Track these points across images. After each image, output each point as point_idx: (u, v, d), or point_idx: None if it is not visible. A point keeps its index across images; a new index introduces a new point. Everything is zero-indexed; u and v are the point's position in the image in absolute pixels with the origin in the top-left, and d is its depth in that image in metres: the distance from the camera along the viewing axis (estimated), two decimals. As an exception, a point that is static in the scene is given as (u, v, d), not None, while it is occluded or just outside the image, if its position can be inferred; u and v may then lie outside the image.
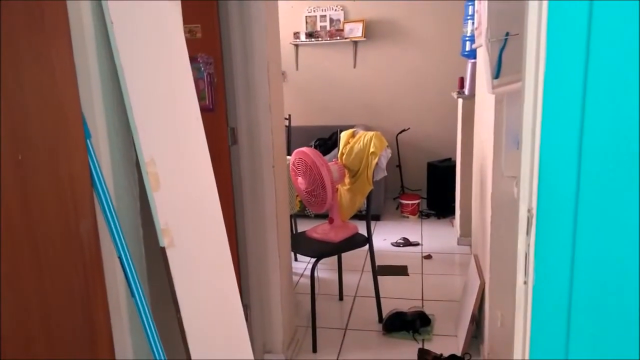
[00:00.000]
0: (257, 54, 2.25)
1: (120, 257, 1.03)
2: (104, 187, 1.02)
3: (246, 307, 2.39)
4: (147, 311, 1.07)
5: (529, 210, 0.88)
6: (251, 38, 2.24)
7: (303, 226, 3.31)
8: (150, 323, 1.07)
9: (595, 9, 0.83)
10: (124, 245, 1.03)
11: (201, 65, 2.50)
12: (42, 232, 0.86)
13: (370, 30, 5.17)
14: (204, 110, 1.60)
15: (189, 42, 1.56)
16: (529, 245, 0.88)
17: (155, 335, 1.08)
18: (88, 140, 1.00)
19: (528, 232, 0.88)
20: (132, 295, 1.05)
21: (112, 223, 1.02)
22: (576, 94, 0.85)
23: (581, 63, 0.85)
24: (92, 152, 1.00)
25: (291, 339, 2.58)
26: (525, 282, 0.91)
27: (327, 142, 5.08)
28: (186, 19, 1.55)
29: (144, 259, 1.24)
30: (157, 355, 1.07)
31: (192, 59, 2.13)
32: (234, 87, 2.31)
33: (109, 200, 1.02)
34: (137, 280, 1.05)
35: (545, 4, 0.85)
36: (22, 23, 0.85)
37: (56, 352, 0.88)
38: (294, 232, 3.68)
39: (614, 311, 0.86)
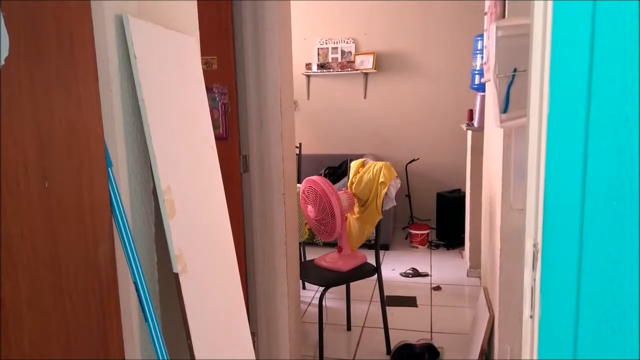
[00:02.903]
0: (270, 85, 2.32)
1: (135, 283, 1.06)
2: (123, 213, 1.05)
3: (254, 334, 2.39)
4: (159, 336, 1.09)
5: (535, 245, 0.90)
6: (265, 69, 2.31)
7: (312, 254, 3.32)
8: (162, 348, 1.09)
9: (596, 46, 0.86)
10: (140, 270, 1.06)
11: (216, 95, 2.57)
12: (64, 257, 0.90)
13: (381, 62, 5.27)
14: (217, 138, 1.65)
15: (205, 73, 1.62)
16: (534, 279, 0.89)
17: (166, 359, 1.09)
18: (109, 169, 1.04)
19: (534, 267, 0.90)
20: (146, 320, 1.08)
21: (128, 249, 1.05)
22: (579, 130, 0.88)
23: (583, 99, 0.88)
24: (112, 179, 1.05)
25: (298, 369, 2.56)
26: (531, 316, 0.92)
27: (336, 171, 5.12)
28: (203, 51, 1.62)
29: (157, 285, 1.27)
30: (167, 380, 1.08)
31: (208, 89, 2.20)
32: (247, 116, 2.37)
33: (126, 227, 1.06)
34: (150, 306, 1.07)
35: (548, 43, 0.89)
36: (53, 53, 0.90)
37: (71, 374, 0.90)
38: (303, 260, 3.69)
39: (621, 346, 0.87)
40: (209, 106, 1.65)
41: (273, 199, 2.38)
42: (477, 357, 2.41)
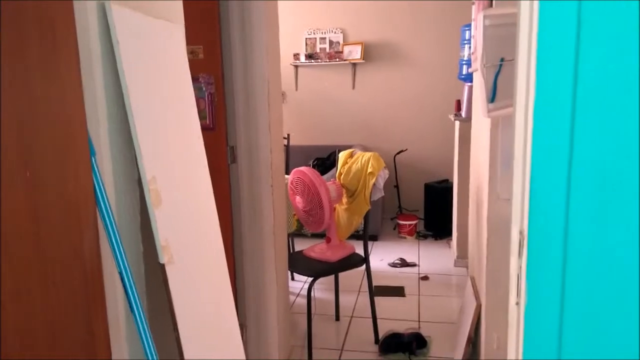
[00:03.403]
0: (257, 75, 2.30)
1: (120, 273, 1.05)
2: (107, 203, 1.04)
3: (242, 326, 2.39)
4: (145, 327, 1.08)
5: (521, 232, 0.90)
6: (252, 59, 2.29)
7: (300, 245, 3.32)
8: (149, 338, 1.08)
9: (582, 36, 0.86)
10: (125, 260, 1.05)
11: (202, 85, 2.54)
12: (49, 247, 0.88)
13: (369, 53, 5.26)
14: (204, 129, 1.63)
15: (191, 63, 1.60)
16: (520, 267, 0.90)
17: (152, 351, 1.09)
18: (93, 158, 1.02)
19: (520, 254, 0.90)
20: (132, 310, 1.07)
21: (113, 239, 1.04)
22: (565, 118, 0.88)
23: (569, 87, 0.88)
24: (96, 169, 1.03)
25: (287, 359, 2.57)
26: (517, 303, 0.93)
27: (325, 162, 5.11)
28: (189, 40, 1.60)
29: (143, 275, 1.25)
30: (154, 371, 1.08)
31: (194, 79, 2.18)
32: (234, 107, 2.35)
33: (111, 217, 1.04)
34: (136, 296, 1.06)
35: (534, 31, 0.89)
36: (34, 39, 0.88)
37: (55, 366, 0.89)
38: (291, 251, 3.69)
39: (605, 332, 0.88)
40: (196, 96, 1.63)
41: (261, 190, 2.37)
42: (464, 346, 2.43)
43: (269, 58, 2.32)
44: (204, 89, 2.57)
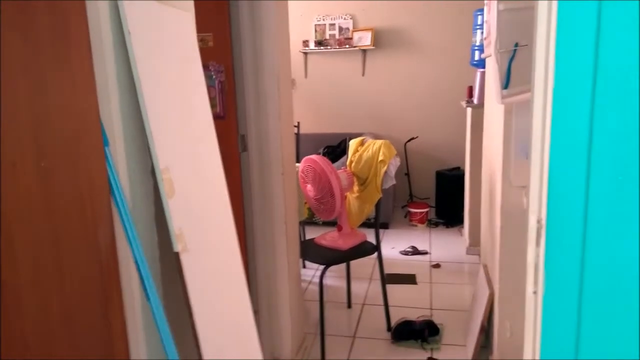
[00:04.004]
0: (267, 62, 2.28)
1: (136, 262, 1.05)
2: (121, 193, 1.04)
3: (255, 313, 2.40)
4: (161, 314, 1.09)
5: (539, 221, 0.89)
6: (261, 46, 2.27)
7: (311, 233, 3.32)
8: (165, 326, 1.09)
9: (603, 20, 0.84)
10: (140, 250, 1.06)
11: (212, 73, 2.54)
12: (64, 237, 0.89)
13: (379, 39, 5.20)
14: (214, 117, 1.63)
15: (201, 51, 1.59)
16: (538, 255, 0.89)
17: (169, 338, 1.09)
18: (106, 148, 1.02)
19: (538, 243, 0.89)
20: (147, 299, 1.07)
21: (128, 228, 1.04)
22: (585, 104, 0.86)
23: (589, 73, 0.86)
24: (109, 159, 1.03)
25: (299, 346, 2.58)
26: (534, 292, 0.91)
27: (335, 150, 5.10)
28: (198, 28, 1.59)
29: (158, 264, 1.26)
30: (171, 356, 1.09)
31: (204, 67, 2.17)
32: (244, 95, 2.34)
33: (125, 206, 1.04)
34: (152, 285, 1.07)
35: (554, 15, 0.87)
36: (47, 31, 0.88)
37: (75, 352, 0.90)
38: (302, 240, 3.70)
39: (624, 322, 0.87)
40: (206, 84, 1.62)
41: (272, 179, 2.36)
42: (477, 334, 2.43)
43: (279, 45, 2.30)
44: (214, 77, 2.56)
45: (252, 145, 2.37)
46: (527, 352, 0.94)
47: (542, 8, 0.89)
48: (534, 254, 0.89)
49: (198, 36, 1.59)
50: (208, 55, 2.36)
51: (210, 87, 2.53)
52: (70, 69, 0.94)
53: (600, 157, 0.85)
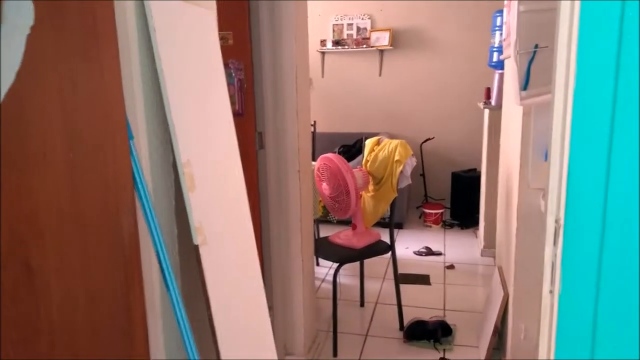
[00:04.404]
0: (285, 61, 2.30)
1: (157, 253, 1.08)
2: (144, 186, 1.07)
3: (269, 308, 2.42)
4: (180, 304, 1.11)
5: (557, 221, 0.89)
6: (280, 45, 2.30)
7: (325, 232, 3.34)
8: (183, 315, 1.12)
9: (626, 21, 0.84)
10: (161, 241, 1.08)
11: (232, 71, 2.56)
12: (89, 227, 0.91)
13: (397, 39, 5.20)
14: (233, 115, 1.65)
15: (222, 49, 1.61)
16: (555, 255, 0.89)
17: (187, 328, 1.12)
18: (131, 141, 1.05)
19: (555, 243, 0.90)
20: (167, 288, 1.10)
21: (150, 220, 1.07)
22: (606, 106, 0.86)
23: (611, 75, 0.86)
24: (134, 152, 1.06)
25: (312, 342, 2.60)
26: (551, 292, 0.92)
27: (351, 149, 5.11)
28: (220, 27, 1.61)
29: (177, 256, 1.29)
30: (188, 346, 1.11)
31: (224, 65, 2.20)
32: (263, 93, 2.36)
33: (148, 198, 1.07)
34: (171, 275, 1.09)
35: (576, 15, 0.87)
36: (75, 24, 0.90)
37: (98, 340, 0.93)
38: (317, 237, 3.71)
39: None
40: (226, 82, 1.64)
41: (288, 176, 2.38)
42: (490, 335, 2.42)
43: (297, 44, 2.32)
44: (233, 74, 2.59)
45: (270, 142, 2.39)
46: (542, 352, 0.94)
47: (564, 8, 0.89)
48: (552, 253, 0.90)
49: (219, 34, 1.62)
50: (228, 54, 2.39)
51: (229, 85, 2.55)
52: (98, 65, 0.97)
53: (620, 159, 0.85)
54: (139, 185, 1.06)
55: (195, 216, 1.19)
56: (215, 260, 1.26)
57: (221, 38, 2.46)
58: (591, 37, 0.87)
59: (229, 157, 1.52)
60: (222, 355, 1.21)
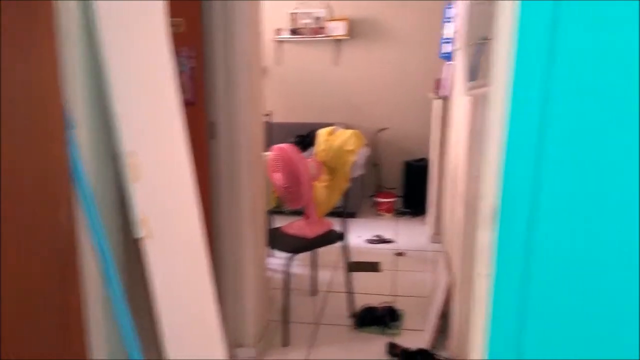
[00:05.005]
0: (238, 49, 2.27)
1: (96, 246, 1.05)
2: (83, 176, 1.04)
3: (220, 300, 2.41)
4: (122, 299, 1.09)
5: (490, 206, 0.93)
6: (233, 33, 2.26)
7: (279, 222, 3.34)
8: (125, 311, 1.10)
9: (561, 16, 0.88)
10: (101, 234, 1.06)
11: (184, 59, 2.51)
12: (24, 218, 0.88)
13: (354, 29, 5.22)
14: (185, 104, 1.62)
15: (173, 36, 1.58)
16: (489, 239, 0.93)
17: (129, 323, 1.10)
18: (72, 131, 1.02)
19: (489, 227, 0.94)
20: (108, 283, 1.08)
21: (89, 212, 1.04)
22: (539, 97, 0.91)
23: (545, 68, 0.90)
24: (73, 142, 1.02)
25: (262, 334, 2.61)
26: (484, 274, 0.96)
27: (305, 139, 5.11)
28: (171, 13, 1.57)
29: (121, 249, 1.26)
30: (131, 344, 1.09)
31: (175, 53, 2.14)
32: (215, 82, 2.33)
33: (87, 190, 1.04)
34: (113, 269, 1.07)
35: (514, 9, 0.90)
36: (11, 21, 0.86)
37: (33, 337, 0.90)
38: (270, 228, 3.71)
39: (569, 303, 0.93)
40: (176, 70, 1.61)
41: (241, 166, 2.37)
42: (435, 319, 2.51)
43: (251, 32, 2.29)
44: (184, 62, 2.53)
45: (221, 132, 2.36)
46: (476, 332, 0.99)
47: (503, 2, 0.93)
48: (485, 238, 0.94)
49: (170, 21, 1.58)
50: (180, 41, 2.33)
51: (181, 73, 2.50)
52: (33, 49, 0.93)
53: (551, 145, 0.90)
54: (78, 176, 1.03)
55: (139, 208, 1.17)
56: (161, 254, 1.25)
57: (172, 25, 2.40)
58: (527, 30, 0.90)
59: (177, 147, 1.49)
60: (168, 351, 1.20)
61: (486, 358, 0.96)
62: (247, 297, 2.45)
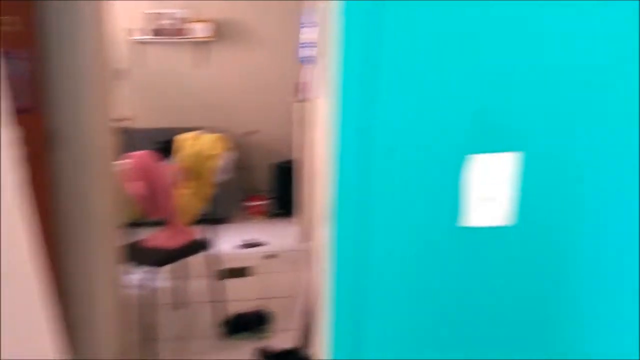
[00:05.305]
0: (82, 50, 2.10)
1: None
2: None
3: (71, 324, 2.20)
4: None
5: (328, 204, 0.98)
6: (76, 33, 2.08)
7: (143, 235, 3.16)
8: None
9: (385, 26, 0.94)
10: None
11: (16, 60, 2.26)
12: None
13: (219, 31, 5.13)
14: (20, 110, 1.45)
15: (6, 36, 1.40)
16: (328, 236, 0.98)
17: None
18: None
19: (327, 225, 0.99)
20: None
21: None
22: (368, 102, 0.97)
23: (372, 72, 0.96)
24: None
25: (123, 357, 2.44)
26: (324, 270, 1.01)
27: (168, 145, 4.90)
28: (3, 11, 1.40)
29: None
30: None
31: (7, 54, 1.92)
32: (57, 85, 2.12)
33: None
34: None
35: (338, 18, 0.95)
36: None
37: None
38: (129, 242, 3.49)
39: (406, 301, 1.01)
40: (8, 73, 1.44)
41: (89, 178, 2.18)
42: (299, 317, 2.57)
43: (98, 32, 2.13)
44: (18, 65, 2.28)
45: (66, 141, 2.16)
46: (324, 323, 1.03)
47: (331, 10, 0.97)
48: (325, 234, 0.99)
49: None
50: (14, 42, 2.09)
51: (13, 77, 2.25)
52: None
53: (381, 148, 0.97)
54: None
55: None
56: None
57: (3, 24, 2.14)
58: (351, 37, 0.95)
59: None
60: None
61: (330, 357, 1.01)
62: (101, 321, 2.26)
